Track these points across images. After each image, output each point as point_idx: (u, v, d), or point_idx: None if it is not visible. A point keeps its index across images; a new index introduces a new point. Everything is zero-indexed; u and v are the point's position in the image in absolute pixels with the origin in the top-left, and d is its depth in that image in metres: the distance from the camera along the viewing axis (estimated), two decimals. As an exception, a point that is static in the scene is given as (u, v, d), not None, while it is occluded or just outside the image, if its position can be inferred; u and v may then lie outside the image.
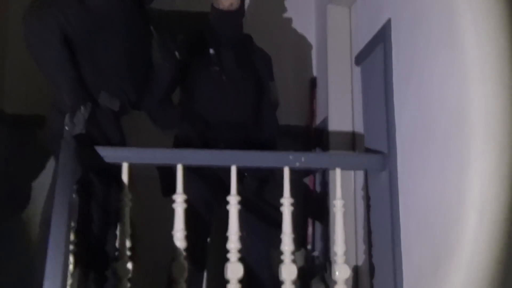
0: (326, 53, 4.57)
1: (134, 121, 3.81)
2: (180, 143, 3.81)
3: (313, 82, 4.81)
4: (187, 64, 3.90)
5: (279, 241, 3.25)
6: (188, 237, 3.09)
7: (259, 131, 4.00)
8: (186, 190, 3.17)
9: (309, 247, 4.28)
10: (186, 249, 3.08)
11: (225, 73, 3.93)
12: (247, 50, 4.11)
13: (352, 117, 4.41)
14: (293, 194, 3.20)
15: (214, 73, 3.93)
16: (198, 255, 3.66)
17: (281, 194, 3.19)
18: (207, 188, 3.75)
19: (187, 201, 3.12)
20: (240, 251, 3.09)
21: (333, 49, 4.54)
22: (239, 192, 3.21)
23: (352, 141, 4.33)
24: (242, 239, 3.19)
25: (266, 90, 4.10)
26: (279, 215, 3.21)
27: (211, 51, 3.93)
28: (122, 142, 3.47)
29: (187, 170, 3.22)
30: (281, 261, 3.13)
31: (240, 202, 3.17)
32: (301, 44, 4.95)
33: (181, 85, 4.00)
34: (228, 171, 3.22)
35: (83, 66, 3.40)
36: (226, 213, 3.20)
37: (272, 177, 3.77)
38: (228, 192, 3.18)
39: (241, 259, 3.10)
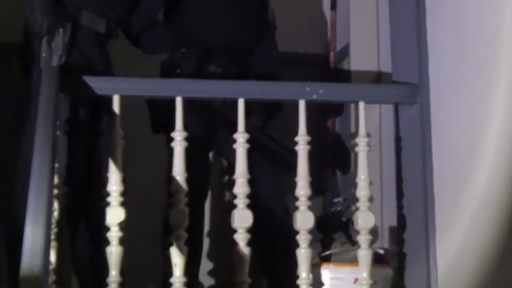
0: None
1: (117, 48, 3.74)
2: (169, 71, 3.74)
3: (332, 3, 4.77)
4: None
5: (289, 186, 3.25)
6: (187, 179, 3.09)
7: (260, 56, 3.94)
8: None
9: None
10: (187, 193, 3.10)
11: None
12: None
13: (377, 43, 4.38)
14: (308, 131, 3.15)
15: None
16: (199, 198, 3.65)
17: (291, 131, 3.15)
18: (205, 122, 3.69)
19: (187, 138, 3.11)
20: (249, 196, 3.06)
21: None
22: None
23: (378, 72, 4.30)
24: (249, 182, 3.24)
25: (264, 9, 4.04)
26: (290, 155, 3.22)
27: None
28: (108, 71, 3.44)
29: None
30: (295, 208, 3.11)
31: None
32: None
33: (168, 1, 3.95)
34: (229, 104, 3.21)
35: None
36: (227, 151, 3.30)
37: (279, 111, 3.76)
38: (229, 127, 3.18)
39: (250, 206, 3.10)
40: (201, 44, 3.75)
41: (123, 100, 3.09)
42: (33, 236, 2.47)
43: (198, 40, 3.77)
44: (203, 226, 3.89)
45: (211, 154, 4.03)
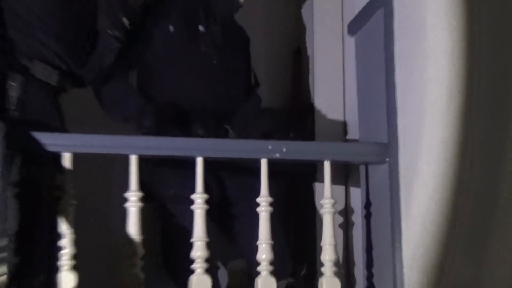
0: (312, 19, 4.61)
1: (76, 102, 3.83)
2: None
3: (296, 56, 5.00)
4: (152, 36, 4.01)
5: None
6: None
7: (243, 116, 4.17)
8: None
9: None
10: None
11: (216, 53, 4.09)
12: (233, 29, 4.29)
13: (343, 100, 4.41)
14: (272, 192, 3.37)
15: (203, 55, 4.07)
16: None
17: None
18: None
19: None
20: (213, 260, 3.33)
21: (321, 14, 4.56)
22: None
23: (344, 129, 4.37)
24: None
25: (248, 69, 4.29)
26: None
27: (201, 28, 4.07)
28: (61, 126, 3.50)
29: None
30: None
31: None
32: (281, 9, 5.06)
33: (142, 64, 4.07)
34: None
35: (5, 24, 3.38)
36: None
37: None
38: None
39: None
40: (179, 110, 3.94)
41: (77, 157, 3.24)
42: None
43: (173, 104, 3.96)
44: None
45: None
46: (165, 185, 3.83)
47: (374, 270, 3.58)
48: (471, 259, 3.02)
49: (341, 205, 3.95)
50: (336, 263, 3.41)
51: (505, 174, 2.95)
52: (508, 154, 2.95)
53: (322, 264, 3.41)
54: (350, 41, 4.19)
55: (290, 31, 5.03)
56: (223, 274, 3.99)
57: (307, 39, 4.86)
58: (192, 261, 3.32)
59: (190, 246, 3.46)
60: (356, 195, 3.98)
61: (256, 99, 4.40)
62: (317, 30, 4.58)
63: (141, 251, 3.19)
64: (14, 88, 3.25)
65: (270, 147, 3.40)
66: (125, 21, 3.81)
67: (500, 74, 3.06)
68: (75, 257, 3.19)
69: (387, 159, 3.42)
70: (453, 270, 3.06)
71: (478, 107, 3.05)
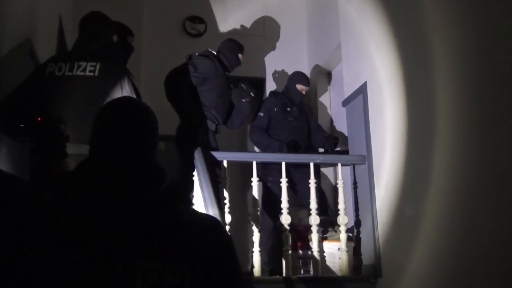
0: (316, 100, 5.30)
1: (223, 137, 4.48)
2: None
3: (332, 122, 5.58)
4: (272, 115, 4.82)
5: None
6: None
7: (310, 145, 4.84)
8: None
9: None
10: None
11: (295, 119, 4.96)
12: (302, 105, 5.05)
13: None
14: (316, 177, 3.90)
15: (289, 121, 4.97)
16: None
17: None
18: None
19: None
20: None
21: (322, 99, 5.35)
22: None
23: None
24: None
25: (315, 126, 5.02)
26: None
27: (288, 108, 4.99)
28: (217, 149, 4.17)
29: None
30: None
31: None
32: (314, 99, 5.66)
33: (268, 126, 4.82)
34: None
35: (198, 107, 4.13)
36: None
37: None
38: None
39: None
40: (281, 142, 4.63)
41: (228, 162, 3.85)
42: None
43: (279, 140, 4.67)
44: None
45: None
46: (269, 175, 4.47)
47: (359, 212, 4.04)
48: (411, 204, 3.29)
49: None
50: (344, 210, 3.93)
51: (434, 166, 3.03)
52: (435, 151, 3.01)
53: (338, 209, 3.93)
54: (342, 110, 4.60)
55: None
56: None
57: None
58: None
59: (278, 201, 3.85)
60: (348, 178, 4.24)
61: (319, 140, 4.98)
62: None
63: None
64: (199, 131, 3.93)
65: (314, 157, 4.10)
66: (252, 94, 4.58)
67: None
68: (230, 207, 3.75)
69: (366, 162, 3.95)
70: (401, 211, 3.43)
71: (412, 136, 3.31)
